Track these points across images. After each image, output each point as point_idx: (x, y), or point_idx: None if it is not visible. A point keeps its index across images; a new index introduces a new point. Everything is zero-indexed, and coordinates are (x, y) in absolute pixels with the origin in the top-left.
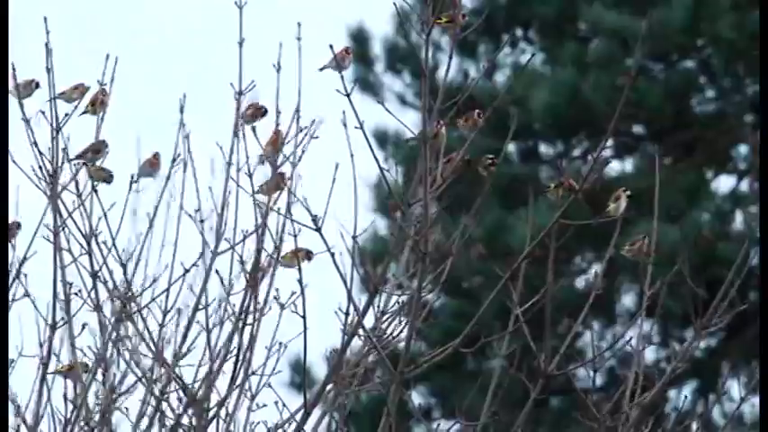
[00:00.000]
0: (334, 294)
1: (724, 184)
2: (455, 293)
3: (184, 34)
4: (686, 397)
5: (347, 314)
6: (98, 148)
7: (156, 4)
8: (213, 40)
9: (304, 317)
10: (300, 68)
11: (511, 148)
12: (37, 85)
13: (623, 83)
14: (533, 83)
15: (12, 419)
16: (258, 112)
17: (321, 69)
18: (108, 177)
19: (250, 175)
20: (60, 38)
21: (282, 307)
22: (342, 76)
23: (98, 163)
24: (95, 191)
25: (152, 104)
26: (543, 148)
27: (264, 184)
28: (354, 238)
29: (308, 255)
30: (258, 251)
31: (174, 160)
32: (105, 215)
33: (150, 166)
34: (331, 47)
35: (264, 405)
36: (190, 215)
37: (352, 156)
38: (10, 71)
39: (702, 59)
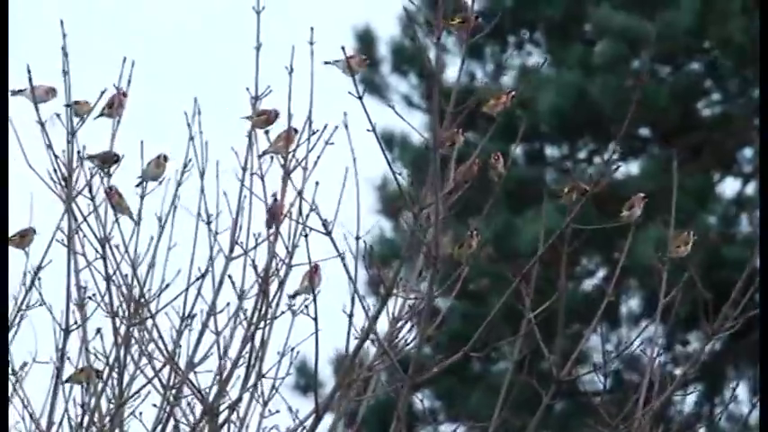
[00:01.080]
0: (342, 298)
1: (730, 187)
2: (462, 296)
3: (193, 37)
4: (693, 401)
5: (351, 316)
6: (105, 159)
7: (164, 6)
8: (221, 44)
9: (315, 319)
10: (312, 72)
11: (517, 150)
12: (54, 93)
13: (633, 88)
14: (539, 85)
15: (26, 425)
16: (271, 117)
17: (327, 63)
18: (128, 211)
19: (262, 177)
20: (69, 40)
21: (294, 314)
22: (354, 80)
23: (111, 170)
24: (109, 198)
25: (159, 107)
26: (549, 151)
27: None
28: (358, 239)
29: (317, 270)
30: (270, 256)
31: (185, 166)
32: (118, 220)
33: (156, 168)
34: (343, 48)
35: (277, 411)
36: (207, 223)
37: (354, 160)
38: (26, 73)
39: (709, 62)
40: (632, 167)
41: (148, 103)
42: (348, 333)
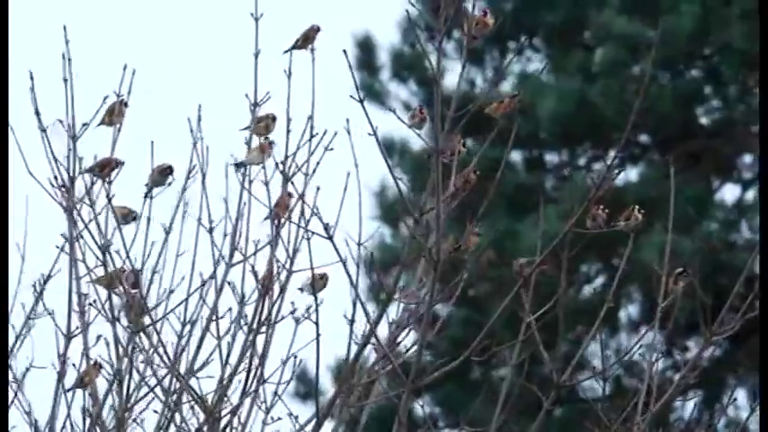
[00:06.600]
0: (342, 304)
1: (730, 193)
2: (462, 302)
3: (195, 43)
4: (695, 405)
5: (352, 322)
6: (104, 164)
7: (168, 11)
8: (225, 50)
9: (317, 323)
10: (314, 77)
11: (516, 156)
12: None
13: (636, 93)
14: (539, 91)
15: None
16: (270, 123)
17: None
18: (130, 215)
19: (266, 183)
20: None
21: (297, 321)
22: (356, 84)
23: (111, 176)
24: (111, 204)
25: (163, 114)
26: (549, 157)
27: (276, 202)
28: (360, 245)
29: (323, 278)
30: (271, 262)
31: (189, 172)
32: (119, 226)
33: (160, 175)
34: (345, 52)
35: (279, 419)
36: (209, 227)
37: (357, 165)
38: (28, 79)
39: (709, 68)
40: (631, 174)
41: (151, 109)
42: (349, 338)
